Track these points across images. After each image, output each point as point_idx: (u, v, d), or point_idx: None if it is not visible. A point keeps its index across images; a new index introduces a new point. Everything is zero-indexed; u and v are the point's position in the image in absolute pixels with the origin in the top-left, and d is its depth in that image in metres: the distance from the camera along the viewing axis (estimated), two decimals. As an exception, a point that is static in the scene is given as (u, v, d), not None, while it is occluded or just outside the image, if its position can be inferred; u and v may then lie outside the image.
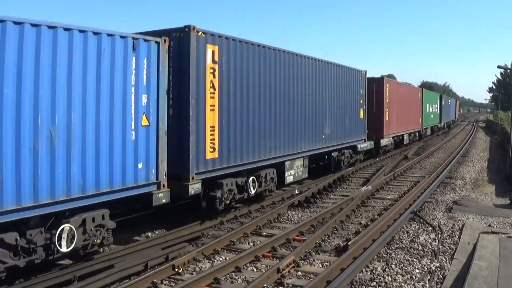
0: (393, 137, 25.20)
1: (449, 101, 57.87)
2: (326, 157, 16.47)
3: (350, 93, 17.88)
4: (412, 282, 7.19)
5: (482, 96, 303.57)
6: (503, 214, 12.06)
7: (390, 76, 33.33)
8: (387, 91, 23.32)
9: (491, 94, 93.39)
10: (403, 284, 7.13)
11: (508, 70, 63.88)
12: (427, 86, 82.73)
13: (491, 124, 62.19)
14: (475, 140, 39.40)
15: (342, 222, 10.87)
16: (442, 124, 46.93)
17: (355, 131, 18.45)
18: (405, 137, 28.41)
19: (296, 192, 14.16)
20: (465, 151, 28.77)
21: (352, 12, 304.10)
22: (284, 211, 12.00)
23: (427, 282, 7.23)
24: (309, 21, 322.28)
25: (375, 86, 22.42)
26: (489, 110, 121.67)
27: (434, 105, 40.31)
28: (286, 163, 13.00)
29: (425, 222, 10.88)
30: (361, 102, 19.06)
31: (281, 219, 11.36)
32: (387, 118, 23.18)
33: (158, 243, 8.93)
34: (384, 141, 23.09)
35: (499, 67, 32.01)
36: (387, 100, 23.30)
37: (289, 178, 13.27)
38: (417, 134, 32.90)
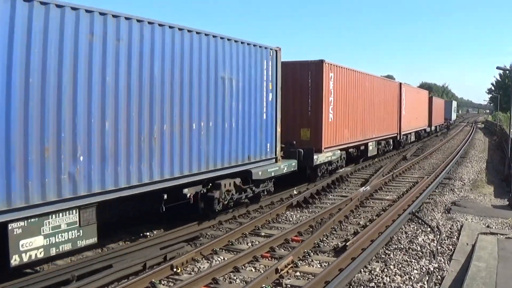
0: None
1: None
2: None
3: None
4: (411, 283, 7.18)
5: (481, 97, 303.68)
6: (502, 215, 12.07)
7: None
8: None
9: (490, 95, 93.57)
10: (401, 285, 7.13)
11: (507, 71, 63.97)
12: (426, 87, 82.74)
13: (490, 125, 62.33)
14: (474, 141, 39.43)
15: (340, 223, 10.87)
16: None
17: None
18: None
19: (295, 192, 14.16)
20: (464, 152, 28.79)
21: (350, 13, 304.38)
22: (282, 212, 12.00)
23: (425, 283, 7.23)
24: (307, 21, 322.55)
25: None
26: (488, 111, 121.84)
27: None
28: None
29: (423, 223, 10.88)
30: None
31: (280, 220, 11.36)
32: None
33: (156, 243, 8.91)
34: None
35: (498, 68, 32.08)
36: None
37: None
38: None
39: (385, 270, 7.75)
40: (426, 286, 7.13)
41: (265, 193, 12.44)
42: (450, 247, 9.08)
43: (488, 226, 10.80)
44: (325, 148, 15.37)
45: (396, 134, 25.85)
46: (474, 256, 8.12)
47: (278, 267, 7.44)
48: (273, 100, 11.98)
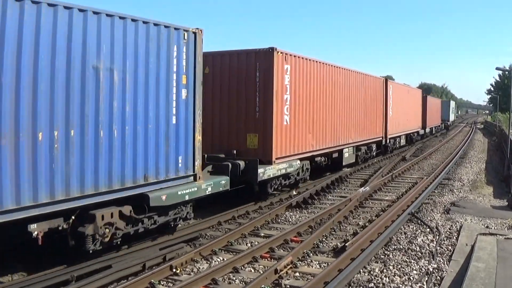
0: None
1: None
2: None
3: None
4: (410, 284, 7.19)
5: (481, 98, 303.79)
6: (501, 215, 12.09)
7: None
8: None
9: (489, 96, 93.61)
10: (400, 286, 7.13)
11: (507, 72, 64.00)
12: (425, 87, 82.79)
13: (489, 125, 62.40)
14: (473, 142, 39.45)
15: (340, 223, 10.87)
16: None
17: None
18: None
19: (294, 193, 14.16)
20: (463, 152, 28.80)
21: (349, 13, 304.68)
22: (282, 212, 12.00)
23: (424, 283, 7.24)
24: (307, 21, 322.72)
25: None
26: (487, 111, 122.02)
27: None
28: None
29: (423, 224, 10.89)
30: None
31: (279, 220, 11.36)
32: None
33: (156, 243, 8.92)
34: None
35: (497, 68, 32.15)
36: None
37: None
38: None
39: (385, 270, 7.76)
40: (425, 286, 7.14)
41: (179, 220, 9.39)
42: (450, 247, 9.09)
43: (487, 227, 10.81)
44: (277, 158, 12.39)
45: (381, 138, 23.03)
46: (473, 256, 8.13)
47: (278, 267, 7.44)
48: (189, 98, 9.08)
